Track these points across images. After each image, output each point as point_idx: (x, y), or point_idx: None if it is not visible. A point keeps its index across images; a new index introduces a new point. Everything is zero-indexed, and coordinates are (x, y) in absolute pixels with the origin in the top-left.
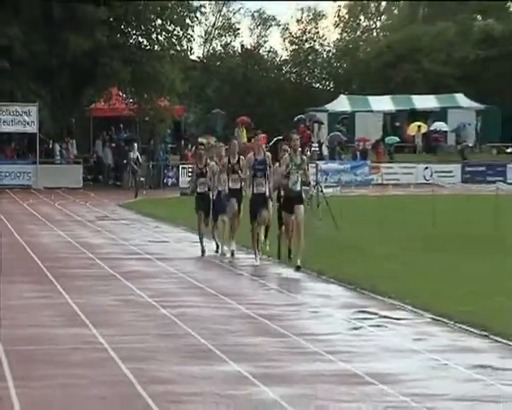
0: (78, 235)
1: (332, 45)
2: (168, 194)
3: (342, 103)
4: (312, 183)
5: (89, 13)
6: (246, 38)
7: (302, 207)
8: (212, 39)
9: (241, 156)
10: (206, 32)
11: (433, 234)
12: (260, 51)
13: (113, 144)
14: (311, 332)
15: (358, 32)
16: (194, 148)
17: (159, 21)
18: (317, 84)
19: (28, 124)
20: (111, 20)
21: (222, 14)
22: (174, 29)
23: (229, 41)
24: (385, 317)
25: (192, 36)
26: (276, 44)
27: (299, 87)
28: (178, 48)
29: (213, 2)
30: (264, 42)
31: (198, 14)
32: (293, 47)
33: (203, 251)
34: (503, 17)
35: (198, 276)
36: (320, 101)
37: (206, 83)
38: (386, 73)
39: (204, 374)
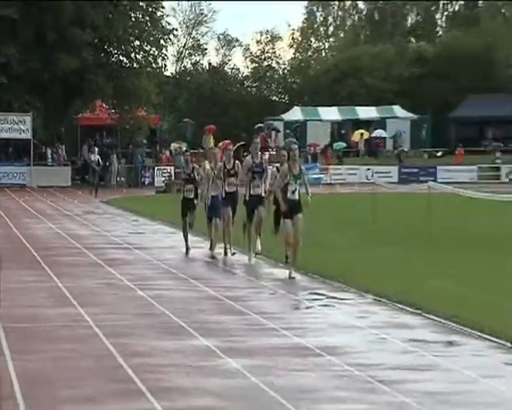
0: (67, 227)
1: (287, 63)
2: (145, 192)
3: (296, 113)
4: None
5: (76, 35)
6: (212, 57)
7: (301, 216)
8: (183, 58)
9: (237, 161)
10: (178, 52)
11: (375, 228)
12: (225, 68)
13: (98, 149)
14: (269, 311)
15: (310, 52)
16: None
17: (137, 42)
18: (274, 97)
19: (23, 131)
20: (95, 41)
21: (192, 36)
22: (150, 49)
23: (198, 59)
24: (333, 298)
25: (166, 55)
26: (239, 62)
27: (258, 99)
28: (154, 65)
29: (184, 26)
30: (229, 60)
31: (171, 36)
32: (254, 65)
33: (188, 249)
34: (433, 40)
35: (171, 263)
36: (277, 111)
37: (178, 95)
38: (334, 88)
39: (177, 348)
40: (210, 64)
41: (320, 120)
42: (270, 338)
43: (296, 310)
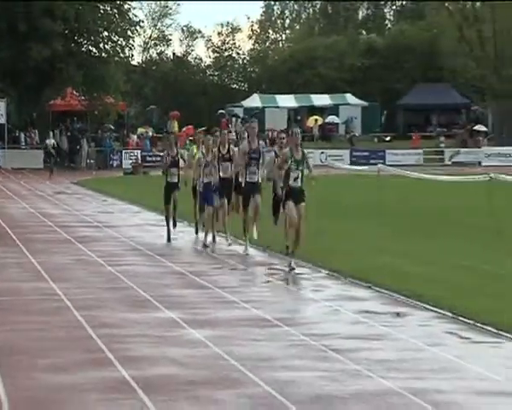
0: (40, 207)
1: (246, 54)
2: (113, 173)
3: (255, 100)
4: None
5: (48, 26)
6: (176, 47)
7: (304, 204)
8: (149, 48)
9: (232, 146)
10: (144, 42)
11: (330, 206)
12: (188, 58)
13: (68, 133)
14: (230, 285)
15: (267, 44)
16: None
17: (105, 33)
18: (235, 85)
19: None
20: (66, 32)
21: (157, 27)
22: (118, 40)
23: (163, 50)
24: (291, 274)
25: (133, 45)
26: (201, 53)
27: (220, 87)
28: (121, 55)
29: (150, 18)
30: (192, 50)
31: (138, 28)
32: (215, 55)
33: (169, 235)
34: (382, 32)
35: (138, 240)
36: (237, 98)
37: (144, 83)
38: (290, 77)
39: (143, 320)
40: (174, 54)
41: (277, 107)
42: (231, 310)
43: (255, 284)
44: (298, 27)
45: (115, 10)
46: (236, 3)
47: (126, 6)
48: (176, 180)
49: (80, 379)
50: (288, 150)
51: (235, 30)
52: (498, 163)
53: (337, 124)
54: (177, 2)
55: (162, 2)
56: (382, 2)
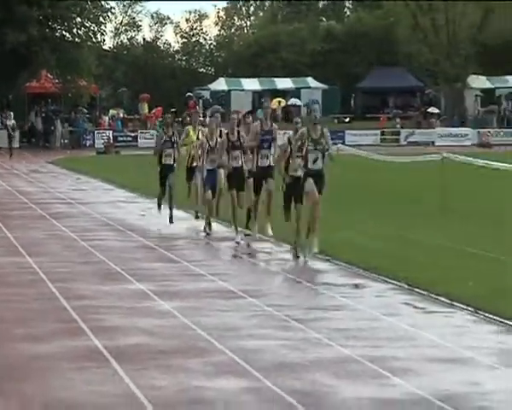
0: (16, 185)
1: (213, 39)
2: (86, 153)
3: (221, 84)
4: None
5: (24, 12)
6: (146, 33)
7: (320, 196)
8: (120, 33)
9: (241, 132)
10: (115, 28)
11: None
12: (158, 43)
13: (43, 115)
14: (198, 259)
15: (233, 30)
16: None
17: (78, 19)
18: (202, 69)
19: None
20: (41, 18)
21: (128, 14)
22: (90, 25)
23: (133, 35)
24: (254, 249)
25: (104, 31)
26: (170, 38)
27: (188, 71)
28: (94, 40)
29: (121, 5)
30: (161, 36)
31: (109, 14)
32: (183, 40)
33: (171, 217)
34: (341, 20)
35: (110, 216)
36: (204, 82)
37: (116, 67)
38: (254, 61)
39: (115, 291)
40: (144, 39)
41: (242, 90)
42: (199, 283)
43: (221, 258)
44: (262, 14)
45: None
46: None
47: None
48: (171, 162)
49: (55, 348)
50: (305, 130)
51: (202, 17)
52: (450, 143)
53: (299, 106)
54: None
55: None
56: None
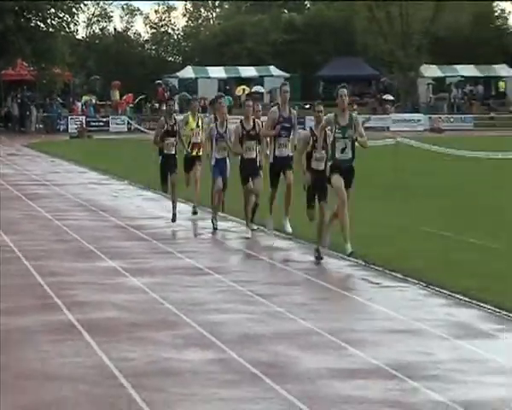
0: None
1: (181, 29)
2: (60, 137)
3: (188, 72)
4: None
5: (0, 3)
6: (117, 23)
7: (352, 190)
8: (92, 24)
9: (257, 120)
10: (88, 19)
11: None
12: (128, 33)
13: (19, 101)
14: (166, 238)
15: (200, 21)
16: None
17: (52, 10)
18: (170, 58)
19: None
20: (16, 9)
21: (100, 5)
22: (64, 16)
23: (105, 25)
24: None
25: (77, 21)
26: (140, 28)
27: (157, 60)
28: (67, 30)
29: None
30: (131, 26)
31: (82, 5)
32: (153, 31)
33: (174, 214)
34: (302, 12)
35: (83, 197)
36: (172, 70)
37: (88, 56)
38: (220, 50)
39: (88, 268)
40: (115, 30)
41: (209, 78)
42: (168, 260)
43: (189, 236)
44: (227, 6)
45: None
46: None
47: None
48: (173, 151)
49: (31, 322)
50: (332, 116)
51: (170, 9)
52: (404, 128)
53: (262, 93)
54: None
55: None
56: None
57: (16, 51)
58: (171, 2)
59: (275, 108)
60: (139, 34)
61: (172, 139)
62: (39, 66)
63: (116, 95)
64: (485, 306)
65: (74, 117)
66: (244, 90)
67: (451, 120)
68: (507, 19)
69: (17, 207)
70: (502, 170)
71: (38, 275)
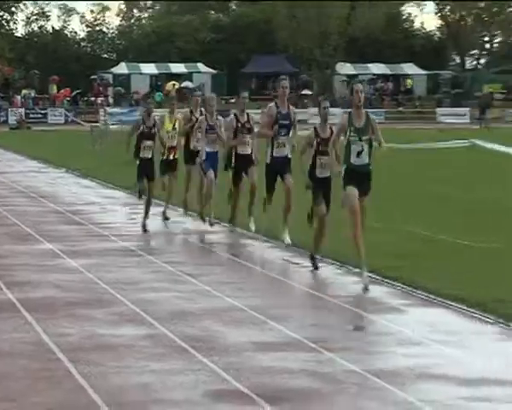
0: None
1: (115, 28)
2: (0, 129)
3: (122, 68)
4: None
5: None
6: (55, 22)
7: (366, 199)
8: (31, 22)
9: (251, 115)
10: (27, 17)
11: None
12: (65, 32)
13: None
14: (102, 222)
15: (132, 20)
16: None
17: None
18: (105, 55)
19: None
20: None
21: (38, 4)
22: (4, 14)
23: (43, 24)
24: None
25: (17, 20)
26: (77, 27)
27: (92, 57)
28: (7, 28)
29: None
30: (68, 25)
31: (21, 5)
32: (88, 29)
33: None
34: (228, 13)
35: (23, 184)
36: (107, 66)
37: (27, 52)
38: (152, 49)
39: (27, 251)
40: (53, 28)
41: (141, 74)
42: (103, 243)
43: (123, 220)
44: (158, 7)
45: None
46: None
47: None
48: (150, 155)
49: None
50: (347, 116)
51: (105, 9)
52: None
53: (191, 88)
54: None
55: None
56: None
57: None
58: (105, 3)
59: (272, 104)
60: (75, 32)
61: (149, 142)
62: None
63: (54, 89)
64: (396, 283)
65: (14, 109)
66: (174, 85)
67: None
68: (413, 22)
69: None
70: (411, 160)
71: None
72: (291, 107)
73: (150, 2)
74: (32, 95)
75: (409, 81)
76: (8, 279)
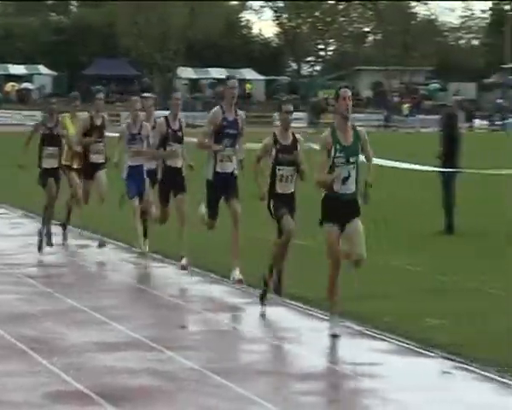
0: None
1: None
2: None
3: None
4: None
5: None
6: None
7: (359, 222)
8: None
9: (183, 121)
10: None
11: None
12: None
13: None
14: None
15: None
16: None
17: None
18: None
19: None
20: None
21: None
22: None
23: None
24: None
25: None
26: None
27: None
28: None
29: None
30: None
31: None
32: None
33: (41, 243)
34: (68, 15)
35: None
36: None
37: None
38: None
39: None
40: None
41: None
42: None
43: None
44: None
45: None
46: None
47: None
48: (56, 165)
49: None
50: (330, 131)
51: None
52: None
53: (31, 89)
54: None
55: None
56: None
57: None
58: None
59: (217, 108)
60: None
61: (55, 149)
62: None
63: None
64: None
65: None
66: (13, 86)
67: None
68: (251, 28)
69: None
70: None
71: None
72: (239, 112)
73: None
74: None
75: (248, 86)
76: None
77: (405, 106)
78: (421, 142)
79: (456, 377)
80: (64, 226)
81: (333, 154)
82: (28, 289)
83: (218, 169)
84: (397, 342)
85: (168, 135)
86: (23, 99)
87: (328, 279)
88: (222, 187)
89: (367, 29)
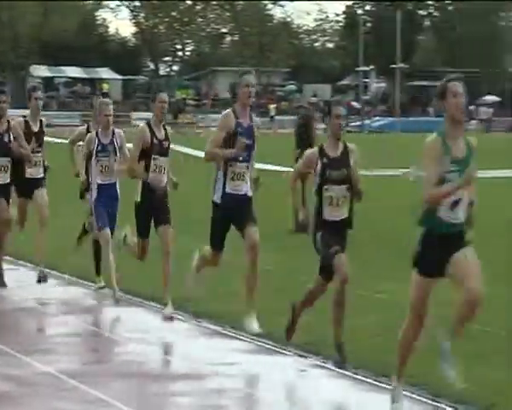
0: None
1: None
2: None
3: None
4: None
5: None
6: None
7: (474, 260)
8: None
9: (168, 128)
10: None
11: None
12: None
13: None
14: None
15: None
16: None
17: None
18: None
19: None
20: None
21: None
22: None
23: None
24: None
25: None
26: None
27: None
28: None
29: None
30: None
31: None
32: None
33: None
34: None
35: None
36: None
37: None
38: None
39: None
40: None
41: None
42: None
43: None
44: None
45: None
46: None
47: None
48: (8, 180)
49: None
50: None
51: None
52: None
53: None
54: None
55: None
56: None
57: None
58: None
59: (228, 110)
60: None
61: (5, 160)
62: None
63: None
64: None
65: None
66: None
67: (62, 116)
68: (108, 27)
69: None
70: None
71: None
72: (254, 118)
73: None
74: None
75: (105, 85)
76: None
77: (272, 106)
78: (278, 143)
79: (311, 374)
80: None
81: (445, 168)
82: None
83: (229, 189)
84: (256, 342)
85: (152, 146)
86: None
87: (402, 341)
88: (233, 212)
89: (224, 30)
